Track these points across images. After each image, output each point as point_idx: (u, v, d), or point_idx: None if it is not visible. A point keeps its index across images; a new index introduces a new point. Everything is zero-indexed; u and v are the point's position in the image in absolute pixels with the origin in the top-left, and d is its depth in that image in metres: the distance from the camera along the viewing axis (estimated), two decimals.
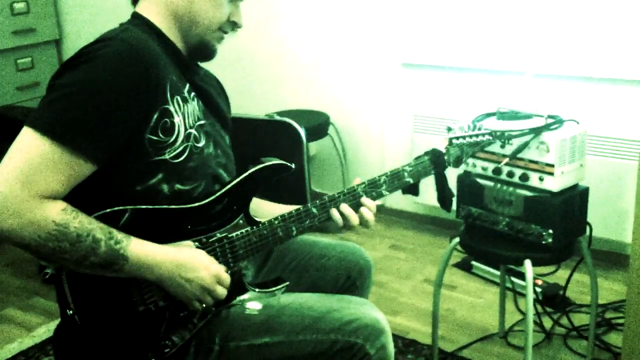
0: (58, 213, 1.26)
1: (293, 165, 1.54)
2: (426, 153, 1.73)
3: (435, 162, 1.72)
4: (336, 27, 3.60)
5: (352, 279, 1.79)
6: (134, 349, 1.41)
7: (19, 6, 4.24)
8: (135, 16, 1.49)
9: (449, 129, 1.84)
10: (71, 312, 1.38)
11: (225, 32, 1.54)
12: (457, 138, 1.79)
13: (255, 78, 3.89)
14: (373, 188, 1.60)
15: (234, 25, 1.54)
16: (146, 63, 1.34)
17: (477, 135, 1.83)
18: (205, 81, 1.61)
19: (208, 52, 1.53)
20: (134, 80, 1.32)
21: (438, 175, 1.74)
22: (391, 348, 1.54)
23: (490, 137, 1.85)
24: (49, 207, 1.25)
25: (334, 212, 1.55)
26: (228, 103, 1.73)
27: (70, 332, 1.42)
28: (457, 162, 1.79)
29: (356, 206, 1.57)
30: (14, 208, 1.22)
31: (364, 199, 1.57)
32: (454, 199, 1.81)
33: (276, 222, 1.51)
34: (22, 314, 2.90)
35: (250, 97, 3.90)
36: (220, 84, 1.73)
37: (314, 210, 1.53)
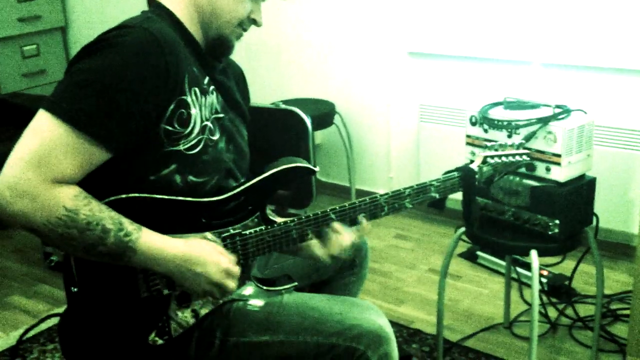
0: (70, 199, 1.25)
1: (317, 168, 1.52)
2: (457, 169, 1.67)
3: (465, 180, 1.67)
4: (343, 15, 3.58)
5: (351, 257, 1.79)
6: (134, 334, 1.40)
7: None
8: (157, 6, 1.47)
9: (485, 147, 1.78)
10: (75, 289, 1.38)
11: (245, 30, 1.52)
12: (492, 157, 1.73)
13: (262, 66, 3.88)
14: (396, 199, 1.57)
15: (253, 23, 1.52)
16: (166, 53, 1.32)
17: (513, 155, 1.76)
18: (226, 74, 1.59)
19: (226, 47, 1.51)
20: (153, 70, 1.30)
21: (466, 194, 1.70)
22: (395, 356, 1.51)
23: (528, 158, 1.78)
24: (62, 192, 1.24)
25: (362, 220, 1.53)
26: (247, 94, 1.71)
27: (75, 317, 1.43)
28: (489, 182, 1.72)
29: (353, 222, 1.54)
30: (27, 191, 1.21)
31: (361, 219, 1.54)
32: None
33: (292, 223, 1.49)
34: (27, 301, 2.91)
35: (256, 86, 3.88)
36: (242, 73, 1.71)
37: (333, 216, 1.51)
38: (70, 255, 1.38)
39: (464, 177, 1.67)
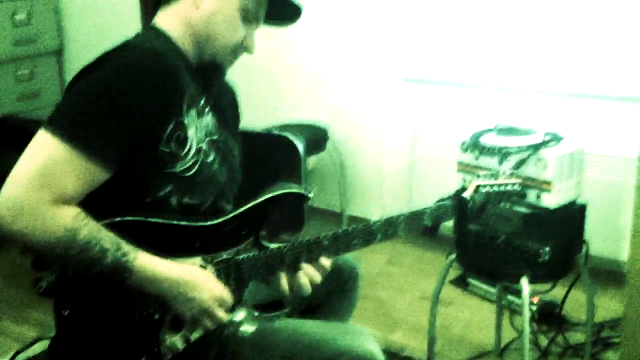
0: (71, 219, 1.25)
1: (311, 195, 1.52)
2: (450, 197, 1.69)
3: (458, 209, 1.68)
4: (337, 40, 3.61)
5: (343, 281, 1.79)
6: (125, 358, 1.39)
7: (20, 17, 4.24)
8: (153, 28, 1.49)
9: (478, 176, 1.78)
10: (66, 312, 1.37)
11: (236, 57, 1.54)
12: (485, 186, 1.73)
13: (254, 90, 3.88)
14: (388, 226, 1.57)
15: (245, 50, 1.54)
16: (164, 73, 1.34)
17: (505, 185, 1.76)
18: (220, 94, 1.60)
19: (218, 72, 1.53)
20: (151, 89, 1.32)
21: (459, 222, 1.71)
22: None
23: (519, 187, 1.79)
24: (62, 212, 1.25)
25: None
26: (238, 115, 1.73)
27: (65, 340, 1.42)
28: (481, 210, 1.73)
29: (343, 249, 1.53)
30: (28, 210, 1.22)
31: (323, 260, 1.52)
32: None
33: (285, 249, 1.49)
34: (16, 327, 2.88)
35: (250, 109, 3.87)
36: (235, 91, 1.72)
37: (325, 242, 1.51)
38: (63, 278, 1.37)
39: (457, 206, 1.68)
